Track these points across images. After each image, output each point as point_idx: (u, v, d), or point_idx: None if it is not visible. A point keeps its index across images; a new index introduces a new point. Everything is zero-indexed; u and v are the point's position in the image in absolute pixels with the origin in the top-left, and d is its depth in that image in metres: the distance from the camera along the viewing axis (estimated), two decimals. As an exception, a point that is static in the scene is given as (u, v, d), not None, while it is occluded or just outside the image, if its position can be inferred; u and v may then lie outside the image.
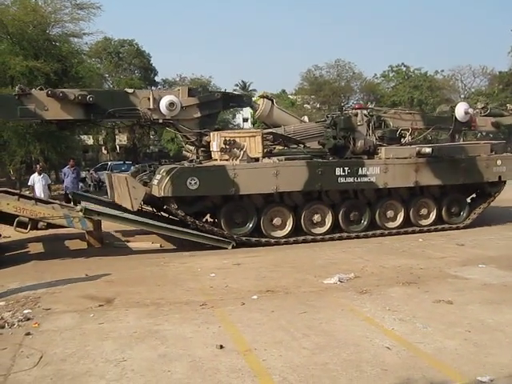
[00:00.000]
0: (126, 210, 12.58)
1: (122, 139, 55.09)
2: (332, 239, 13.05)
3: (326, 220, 13.17)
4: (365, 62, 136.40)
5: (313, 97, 60.23)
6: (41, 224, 11.71)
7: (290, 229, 12.84)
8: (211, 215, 13.03)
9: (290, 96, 65.24)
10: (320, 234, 13.04)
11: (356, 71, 59.82)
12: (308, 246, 12.53)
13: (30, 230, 11.49)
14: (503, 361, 5.47)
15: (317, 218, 13.04)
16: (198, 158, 13.36)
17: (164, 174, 11.66)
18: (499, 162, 14.47)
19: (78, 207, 11.94)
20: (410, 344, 5.97)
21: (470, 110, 15.46)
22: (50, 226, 11.93)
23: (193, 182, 11.68)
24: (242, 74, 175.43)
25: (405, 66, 61.70)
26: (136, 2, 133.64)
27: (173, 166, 12.18)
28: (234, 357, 5.69)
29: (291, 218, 12.83)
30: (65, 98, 12.08)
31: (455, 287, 8.37)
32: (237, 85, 77.94)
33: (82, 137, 39.38)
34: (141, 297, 8.20)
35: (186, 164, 12.53)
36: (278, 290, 8.44)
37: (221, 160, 12.48)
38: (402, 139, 14.42)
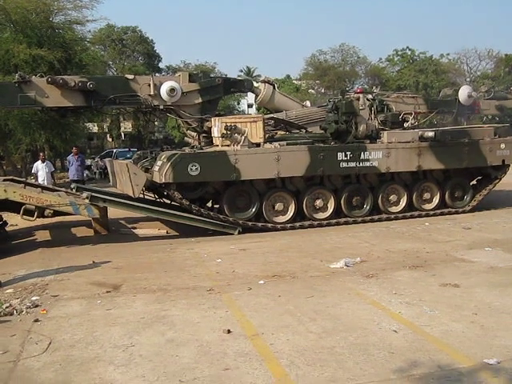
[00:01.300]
0: (129, 198, 12.59)
1: (126, 126, 55.02)
2: (338, 224, 13.05)
3: (329, 205, 13.14)
4: (369, 46, 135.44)
5: (317, 82, 59.98)
6: (47, 212, 11.73)
7: (292, 214, 12.84)
8: (214, 201, 13.05)
9: (294, 81, 64.93)
10: (323, 219, 13.04)
11: (361, 55, 59.48)
12: (314, 230, 12.53)
13: (37, 217, 11.53)
14: (510, 343, 5.48)
15: (319, 203, 13.01)
16: (199, 143, 13.35)
17: (165, 160, 11.66)
18: (503, 146, 14.36)
19: (84, 194, 11.96)
20: (417, 327, 5.99)
21: (474, 94, 15.41)
22: (56, 213, 11.96)
23: (194, 168, 11.67)
24: (246, 60, 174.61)
25: (410, 49, 61.27)
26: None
27: (174, 152, 12.18)
28: (242, 341, 5.72)
29: (293, 204, 12.82)
30: (65, 84, 12.08)
31: (462, 270, 8.39)
32: (241, 70, 77.53)
33: (87, 124, 39.36)
34: (148, 283, 8.25)
35: (187, 150, 12.53)
36: (284, 274, 8.47)
37: (222, 146, 12.47)
38: (405, 123, 14.34)
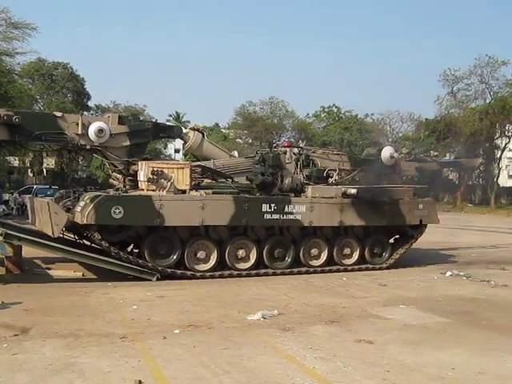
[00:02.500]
0: (47, 237, 12.21)
1: (49, 163, 53.94)
2: (258, 275, 13.05)
3: (251, 255, 13.16)
4: (297, 101, 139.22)
5: (245, 132, 60.96)
6: (-44, 247, 11.22)
7: (213, 263, 12.76)
8: (135, 245, 12.84)
9: (222, 130, 65.78)
10: (244, 270, 13.04)
11: (289, 109, 61.13)
12: (233, 280, 12.47)
13: None
14: (419, 402, 5.57)
15: (241, 253, 13.02)
16: (124, 186, 13.18)
17: (88, 201, 11.45)
18: (421, 206, 14.93)
19: (-2, 231, 11.51)
20: (331, 383, 6.00)
21: (396, 155, 15.96)
22: (-34, 249, 11.44)
23: (117, 211, 11.50)
24: (176, 105, 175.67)
25: (336, 107, 63.48)
26: (74, 29, 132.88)
27: (97, 193, 12.00)
28: (153, 393, 5.57)
29: (215, 252, 12.76)
30: None
31: (376, 327, 8.52)
32: (170, 115, 77.89)
33: (8, 158, 38.27)
34: (59, 327, 7.95)
35: (112, 192, 12.36)
36: (200, 324, 8.35)
37: (147, 190, 12.35)
38: (329, 179, 14.67)
